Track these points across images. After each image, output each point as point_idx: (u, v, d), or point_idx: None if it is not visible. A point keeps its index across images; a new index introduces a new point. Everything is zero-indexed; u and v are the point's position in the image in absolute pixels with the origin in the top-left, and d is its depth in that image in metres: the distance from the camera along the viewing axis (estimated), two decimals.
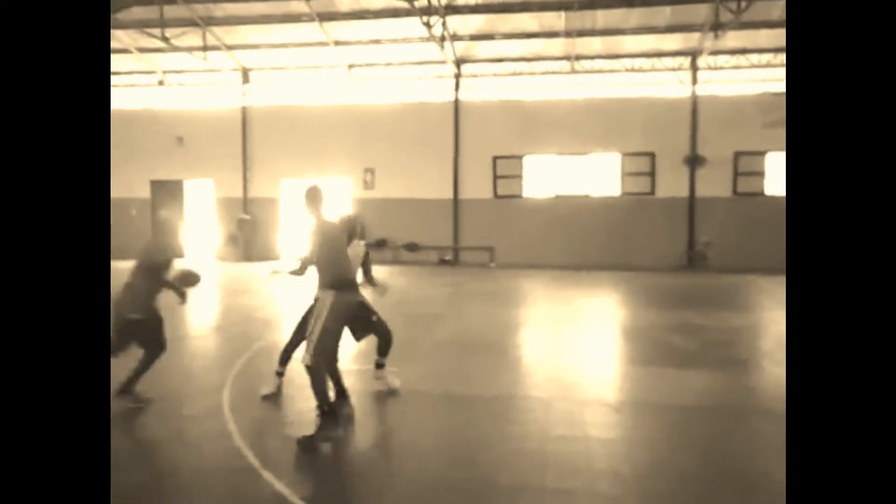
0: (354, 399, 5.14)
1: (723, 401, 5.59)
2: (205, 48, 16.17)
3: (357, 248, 5.45)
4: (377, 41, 16.31)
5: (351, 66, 17.49)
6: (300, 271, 4.94)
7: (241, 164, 18.46)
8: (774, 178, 16.27)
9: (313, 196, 4.63)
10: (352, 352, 6.91)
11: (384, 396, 5.65)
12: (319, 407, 4.44)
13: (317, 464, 4.25)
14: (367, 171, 17.83)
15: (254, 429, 4.78)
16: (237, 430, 4.69)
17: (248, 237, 18.24)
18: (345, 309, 4.58)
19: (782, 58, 11.00)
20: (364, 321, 5.36)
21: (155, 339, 5.25)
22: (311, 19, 15.52)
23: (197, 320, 9.33)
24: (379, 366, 5.75)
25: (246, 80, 18.42)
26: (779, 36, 14.31)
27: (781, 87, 8.07)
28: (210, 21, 15.94)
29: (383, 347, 5.68)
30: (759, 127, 13.19)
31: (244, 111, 18.43)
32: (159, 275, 5.21)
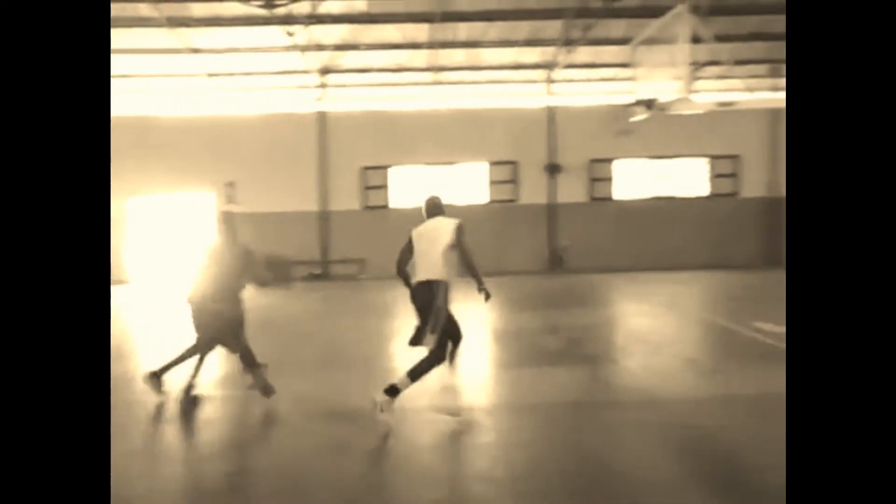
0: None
1: (586, 396, 5.86)
2: None
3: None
4: (237, 49, 15.63)
5: (211, 75, 16.62)
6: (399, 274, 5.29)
7: None
8: (621, 184, 17.55)
9: (429, 205, 5.51)
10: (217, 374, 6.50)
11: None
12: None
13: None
14: (228, 185, 17.01)
15: None
16: None
17: None
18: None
19: (627, 72, 11.99)
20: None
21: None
22: (161, 24, 14.56)
23: None
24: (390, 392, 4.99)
25: None
26: (623, 52, 15.44)
27: (627, 98, 8.70)
28: None
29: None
30: (609, 136, 14.12)
31: None
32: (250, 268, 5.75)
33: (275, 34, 13.88)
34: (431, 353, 5.05)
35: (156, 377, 5.78)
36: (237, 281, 5.74)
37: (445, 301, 5.11)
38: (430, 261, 5.15)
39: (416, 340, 5.18)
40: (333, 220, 17.29)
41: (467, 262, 5.25)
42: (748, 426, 5.07)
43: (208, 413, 5.59)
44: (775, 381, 6.11)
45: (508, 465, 4.26)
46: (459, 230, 5.26)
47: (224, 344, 5.84)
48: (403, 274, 5.31)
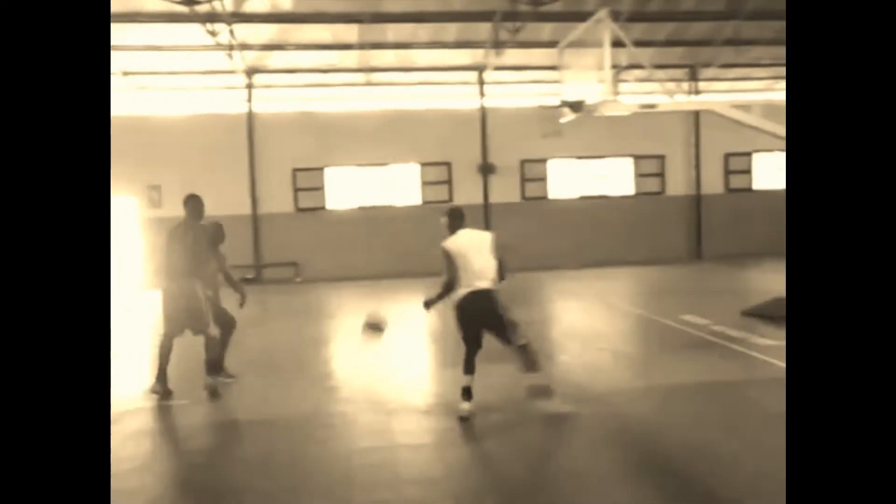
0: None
1: (522, 393, 5.95)
2: None
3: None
4: (157, 47, 15.02)
5: (126, 73, 15.91)
6: (447, 291, 5.31)
7: None
8: (555, 183, 17.94)
9: (455, 216, 5.48)
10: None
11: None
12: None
13: None
14: (152, 189, 16.35)
15: None
16: None
17: None
18: None
19: (555, 74, 12.27)
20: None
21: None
22: None
23: None
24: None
25: None
26: (551, 55, 15.78)
27: (555, 100, 8.90)
28: None
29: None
30: (539, 137, 14.39)
31: None
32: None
33: (197, 33, 13.43)
34: (523, 346, 5.29)
35: (160, 386, 6.03)
36: (204, 260, 6.23)
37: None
38: (484, 270, 5.23)
39: (472, 356, 5.35)
40: (266, 222, 16.90)
41: (500, 272, 5.37)
42: (675, 414, 5.28)
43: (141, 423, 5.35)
44: (701, 370, 6.41)
45: (446, 466, 4.28)
46: (494, 240, 5.41)
47: (191, 327, 6.13)
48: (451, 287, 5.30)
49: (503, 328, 5.23)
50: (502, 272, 5.36)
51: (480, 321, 5.25)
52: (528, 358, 5.27)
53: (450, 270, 5.26)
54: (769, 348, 7.19)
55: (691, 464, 4.22)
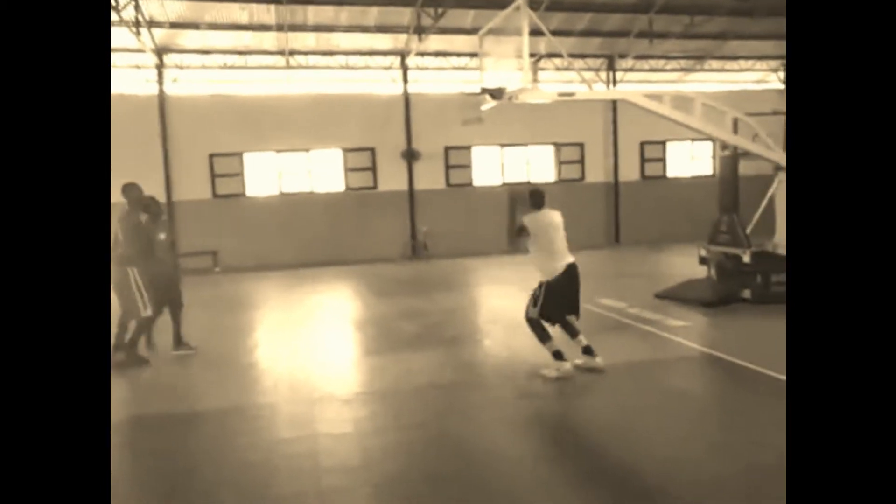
0: None
1: (445, 378, 6.01)
2: None
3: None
4: None
5: None
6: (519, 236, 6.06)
7: None
8: (479, 170, 18.10)
9: (536, 196, 5.98)
10: None
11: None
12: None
13: None
14: None
15: None
16: None
17: None
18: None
19: (477, 62, 12.32)
20: None
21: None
22: None
23: None
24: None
25: None
26: (473, 42, 15.86)
27: (476, 88, 8.95)
28: None
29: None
30: (460, 124, 14.47)
31: None
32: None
33: None
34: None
35: (179, 344, 7.17)
36: (145, 246, 6.67)
37: None
38: (565, 245, 5.98)
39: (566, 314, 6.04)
40: (182, 210, 16.19)
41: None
42: (592, 394, 5.47)
43: None
44: (617, 351, 6.65)
45: (366, 454, 4.26)
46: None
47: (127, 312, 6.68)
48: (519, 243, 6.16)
49: (578, 298, 6.01)
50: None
51: (572, 290, 5.93)
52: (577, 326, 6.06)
53: (517, 229, 6.05)
54: (679, 329, 7.56)
55: (606, 442, 4.39)
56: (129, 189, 6.78)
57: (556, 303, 5.83)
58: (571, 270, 5.90)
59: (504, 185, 18.19)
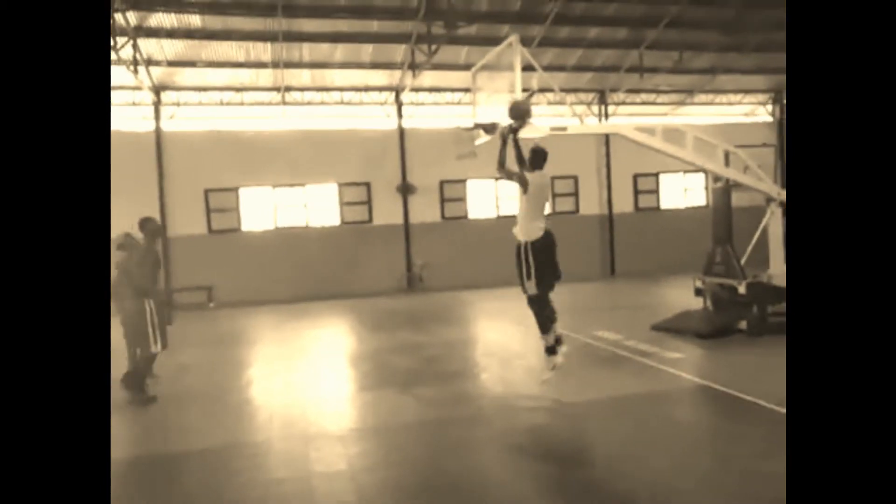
0: None
1: (441, 414, 5.94)
2: None
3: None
4: None
5: None
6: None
7: None
8: (474, 203, 18.20)
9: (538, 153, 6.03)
10: None
11: None
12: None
13: None
14: None
15: None
16: None
17: None
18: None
19: (470, 97, 12.51)
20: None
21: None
22: None
23: None
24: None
25: None
26: (466, 77, 16.13)
27: (470, 122, 9.05)
28: None
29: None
30: (455, 158, 14.63)
31: None
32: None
33: None
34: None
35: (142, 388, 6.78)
36: (156, 280, 6.87)
37: None
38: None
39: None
40: (177, 245, 16.18)
41: None
42: (587, 427, 5.41)
43: None
44: (614, 384, 6.60)
45: (358, 490, 4.19)
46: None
47: (138, 345, 6.88)
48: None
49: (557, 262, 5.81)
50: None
51: (553, 254, 5.79)
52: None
53: (525, 199, 5.85)
54: (676, 361, 7.53)
55: (602, 474, 4.33)
56: (147, 223, 6.96)
57: (546, 266, 5.73)
58: (550, 235, 5.86)
59: (500, 217, 18.28)
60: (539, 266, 5.59)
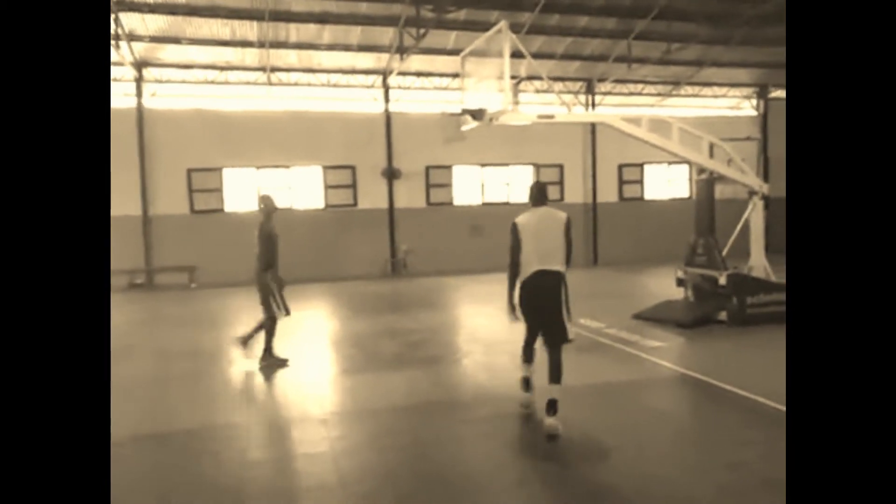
0: None
1: (423, 398, 5.96)
2: None
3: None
4: None
5: None
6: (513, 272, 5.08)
7: None
8: (459, 189, 18.19)
9: (535, 190, 5.22)
10: None
11: None
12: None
13: None
14: None
15: None
16: None
17: None
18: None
19: (458, 82, 12.44)
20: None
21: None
22: None
23: None
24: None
25: None
26: (455, 62, 16.05)
27: (457, 108, 9.02)
28: None
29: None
30: (442, 144, 14.59)
31: None
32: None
33: None
34: (559, 348, 5.01)
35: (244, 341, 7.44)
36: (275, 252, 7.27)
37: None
38: (552, 252, 4.98)
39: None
40: (158, 224, 16.00)
41: (567, 257, 5.08)
42: (568, 413, 5.47)
43: None
44: (594, 371, 6.67)
45: (339, 472, 4.21)
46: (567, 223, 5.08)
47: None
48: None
49: (558, 316, 4.91)
50: (568, 258, 5.07)
51: (542, 303, 4.94)
52: (558, 365, 4.94)
53: (513, 249, 5.01)
54: (656, 349, 7.62)
55: (582, 461, 4.38)
56: (265, 200, 7.46)
57: (525, 315, 5.15)
58: (538, 278, 4.98)
59: (485, 204, 18.29)
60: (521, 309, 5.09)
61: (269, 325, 7.27)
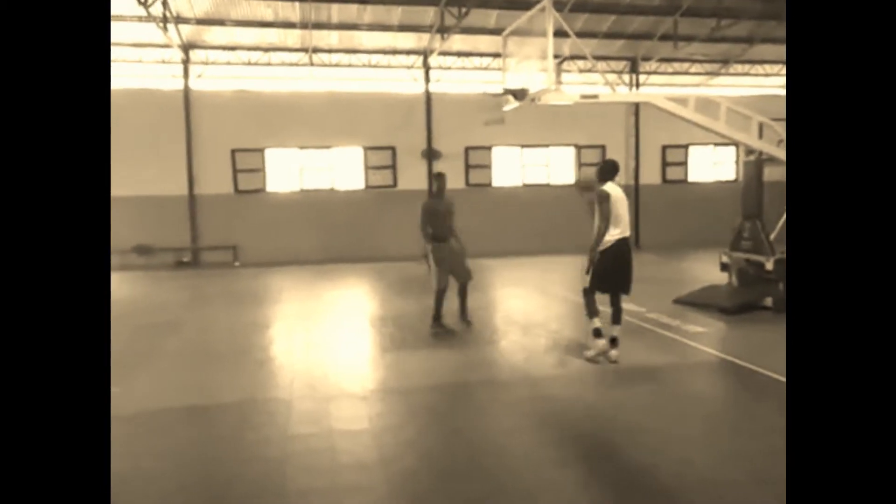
0: None
1: (461, 377, 6.02)
2: None
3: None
4: None
5: None
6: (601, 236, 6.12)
7: None
8: (499, 170, 18.08)
9: (608, 167, 6.37)
10: None
11: None
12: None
13: None
14: None
15: None
16: None
17: None
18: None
19: (499, 62, 12.33)
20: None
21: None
22: None
23: None
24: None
25: None
26: (496, 42, 15.87)
27: (498, 88, 8.95)
28: None
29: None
30: (481, 124, 14.51)
31: None
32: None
33: (127, 2, 12.79)
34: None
35: (437, 322, 7.82)
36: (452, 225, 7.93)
37: None
38: (628, 222, 6.24)
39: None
40: (203, 204, 16.39)
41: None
42: (607, 396, 5.45)
43: None
44: (634, 355, 6.62)
45: (380, 450, 4.29)
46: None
47: (455, 274, 7.87)
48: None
49: (630, 275, 6.23)
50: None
51: (623, 265, 6.15)
52: (620, 310, 6.36)
53: (607, 215, 6.03)
54: (697, 334, 7.50)
55: (620, 442, 4.37)
56: (437, 178, 8.13)
57: (602, 276, 6.20)
58: (622, 244, 6.16)
59: (525, 185, 18.15)
60: (598, 268, 6.16)
61: (437, 299, 7.80)
